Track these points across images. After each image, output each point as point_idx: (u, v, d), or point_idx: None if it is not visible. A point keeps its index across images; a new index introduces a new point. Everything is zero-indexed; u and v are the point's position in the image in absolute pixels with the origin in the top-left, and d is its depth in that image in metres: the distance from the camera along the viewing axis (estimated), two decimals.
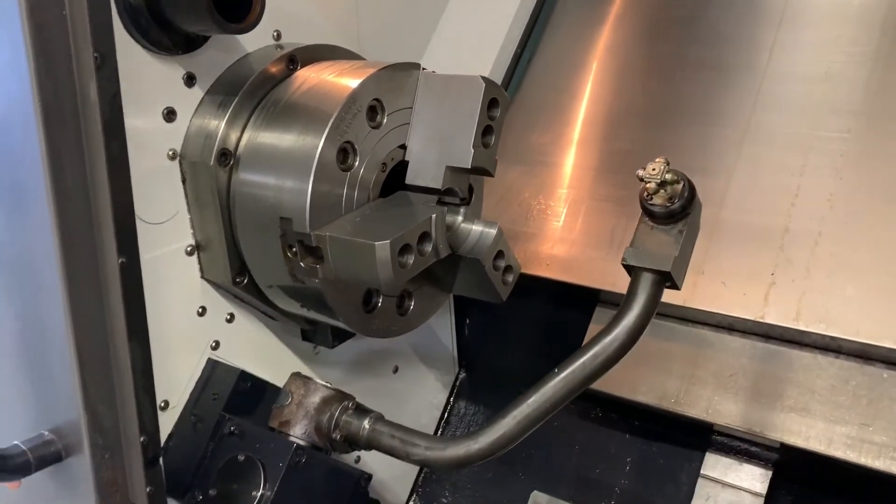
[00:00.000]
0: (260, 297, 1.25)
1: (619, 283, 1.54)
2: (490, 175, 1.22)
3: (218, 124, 1.14)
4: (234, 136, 1.15)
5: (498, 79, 1.85)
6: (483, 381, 1.90)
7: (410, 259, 1.07)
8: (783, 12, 1.64)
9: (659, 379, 1.49)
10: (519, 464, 1.77)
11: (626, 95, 1.78)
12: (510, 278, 1.30)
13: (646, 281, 1.08)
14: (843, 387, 1.35)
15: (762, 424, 1.38)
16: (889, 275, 1.32)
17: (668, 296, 1.46)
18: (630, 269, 1.11)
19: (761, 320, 1.39)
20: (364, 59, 1.37)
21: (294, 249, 1.12)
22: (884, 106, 1.47)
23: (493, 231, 1.23)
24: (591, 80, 1.85)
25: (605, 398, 1.57)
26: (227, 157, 1.14)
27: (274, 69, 1.20)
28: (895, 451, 1.27)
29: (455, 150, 1.17)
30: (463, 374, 1.92)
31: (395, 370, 1.72)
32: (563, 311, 1.69)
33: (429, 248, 1.10)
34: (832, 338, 1.34)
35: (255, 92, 1.17)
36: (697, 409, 1.44)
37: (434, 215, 1.10)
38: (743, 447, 1.51)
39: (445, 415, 1.92)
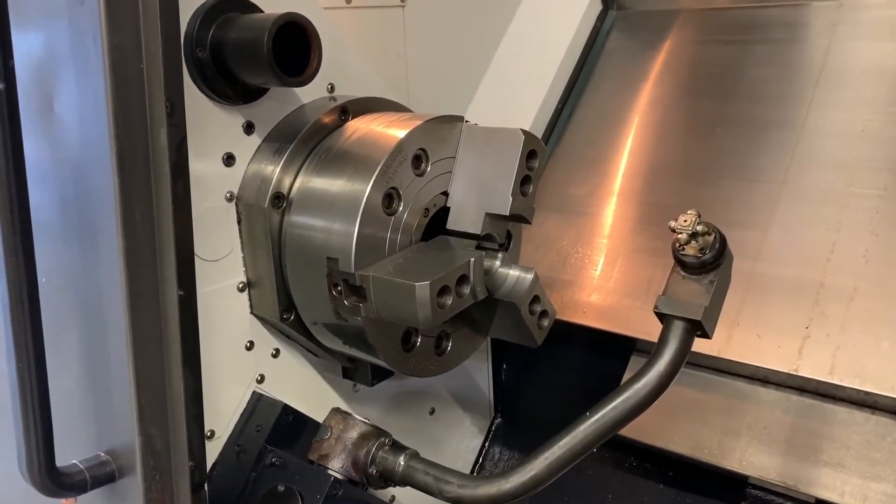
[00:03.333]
0: (305, 333, 1.31)
1: (654, 331, 1.55)
2: (527, 222, 1.27)
3: (273, 169, 1.21)
4: (287, 181, 1.22)
5: (539, 132, 1.92)
6: (519, 427, 1.92)
7: (449, 300, 1.12)
8: (821, 71, 1.68)
9: (694, 429, 1.50)
10: None
11: (665, 150, 1.83)
12: (545, 323, 1.34)
13: (677, 329, 1.11)
14: (879, 443, 1.34)
15: (797, 478, 1.38)
16: None
17: (703, 346, 1.49)
18: (662, 318, 1.14)
19: (795, 373, 1.40)
20: (411, 111, 1.45)
21: (339, 288, 1.18)
22: None
23: (530, 276, 1.27)
24: (632, 135, 1.90)
25: (640, 447, 1.58)
26: (280, 200, 1.22)
27: (327, 119, 1.28)
28: None
29: (495, 197, 1.22)
30: (499, 419, 1.95)
31: (432, 412, 1.75)
32: (599, 359, 1.71)
33: (467, 290, 1.15)
34: (867, 393, 1.34)
35: (309, 140, 1.25)
36: (732, 460, 1.44)
37: (472, 259, 1.15)
38: (777, 501, 1.50)
39: (480, 459, 1.93)
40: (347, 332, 1.25)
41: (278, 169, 1.21)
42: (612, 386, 1.65)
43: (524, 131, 1.22)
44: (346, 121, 1.31)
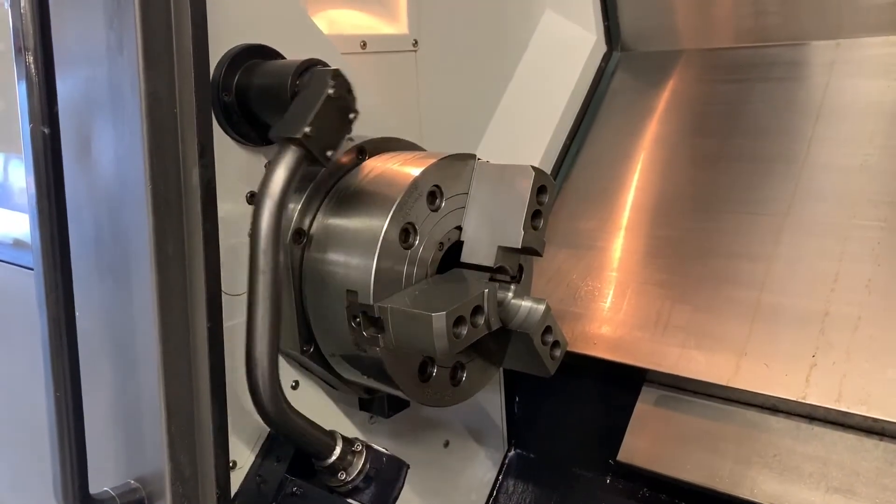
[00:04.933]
0: (324, 365, 1.35)
1: (664, 362, 1.61)
2: (539, 255, 1.32)
3: (294, 207, 1.27)
4: (307, 218, 1.28)
5: (548, 167, 1.98)
6: (532, 460, 1.94)
7: (464, 330, 1.16)
8: (820, 107, 1.73)
9: (706, 458, 1.52)
10: None
11: (670, 185, 1.88)
12: (558, 353, 1.37)
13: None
14: (889, 469, 1.36)
15: None
16: None
17: (713, 376, 1.53)
18: None
19: (804, 401, 1.42)
20: (425, 149, 1.51)
21: (358, 320, 1.22)
22: None
23: (542, 307, 1.32)
24: (638, 170, 1.96)
25: (653, 477, 1.60)
26: (301, 236, 1.27)
27: (345, 159, 1.34)
28: None
29: (507, 231, 1.27)
30: (512, 452, 1.97)
31: (447, 444, 1.78)
32: (610, 390, 1.74)
33: (481, 320, 1.19)
34: (874, 420, 1.37)
35: (328, 179, 1.31)
36: (744, 489, 1.46)
37: (487, 290, 1.19)
38: None
39: (494, 493, 1.95)
40: (365, 364, 1.29)
41: (299, 206, 1.27)
42: (623, 417, 1.70)
43: (534, 167, 1.27)
44: (363, 160, 1.37)
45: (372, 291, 1.18)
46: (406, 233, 1.23)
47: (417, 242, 1.25)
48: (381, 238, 1.19)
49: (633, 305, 1.73)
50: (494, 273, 1.29)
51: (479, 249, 1.30)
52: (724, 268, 1.66)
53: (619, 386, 1.71)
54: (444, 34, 1.81)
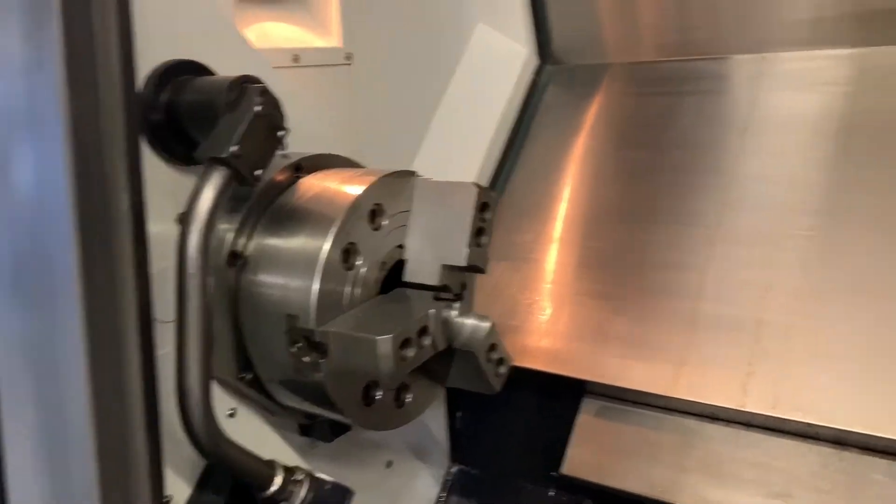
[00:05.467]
0: (262, 392, 1.30)
1: (605, 373, 1.61)
2: (482, 272, 1.30)
3: (229, 228, 1.22)
4: (243, 240, 1.23)
5: (484, 181, 1.98)
6: (475, 475, 1.92)
7: (411, 352, 1.13)
8: (747, 120, 1.78)
9: (648, 468, 1.53)
10: None
11: (603, 197, 1.90)
12: (503, 370, 1.36)
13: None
14: (823, 472, 1.40)
15: None
16: (858, 363, 1.40)
17: (653, 386, 1.54)
18: None
19: (742, 409, 1.45)
20: (362, 166, 1.48)
21: (298, 345, 1.18)
22: (840, 205, 1.59)
23: (487, 325, 1.30)
24: (571, 183, 1.98)
25: (596, 488, 1.60)
26: (236, 258, 1.22)
27: (281, 177, 1.29)
28: None
29: (450, 249, 1.25)
30: (455, 468, 1.95)
31: (389, 465, 1.74)
32: (551, 402, 1.74)
33: (428, 341, 1.17)
34: (809, 425, 1.41)
35: (263, 198, 1.26)
36: (685, 496, 1.48)
37: (432, 310, 1.17)
38: None
39: None
40: (307, 389, 1.24)
41: (234, 228, 1.22)
42: (565, 429, 1.70)
43: (476, 184, 1.26)
44: (299, 177, 1.32)
45: (314, 315, 1.14)
46: (347, 253, 1.20)
47: (359, 262, 1.22)
48: (322, 259, 1.15)
49: (571, 317, 1.73)
50: (438, 291, 1.27)
51: (422, 268, 1.27)
52: (659, 278, 1.69)
53: (560, 398, 1.72)
54: (378, 48, 1.78)
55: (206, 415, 1.06)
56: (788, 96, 1.76)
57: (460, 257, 1.24)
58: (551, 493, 1.75)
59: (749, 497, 1.43)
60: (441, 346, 1.20)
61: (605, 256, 1.80)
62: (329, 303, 1.17)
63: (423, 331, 1.16)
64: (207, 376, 1.05)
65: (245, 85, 1.13)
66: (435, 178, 1.33)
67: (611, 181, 1.94)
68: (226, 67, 1.25)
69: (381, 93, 1.82)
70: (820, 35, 1.75)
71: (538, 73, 2.15)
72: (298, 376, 1.20)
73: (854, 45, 1.71)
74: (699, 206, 1.74)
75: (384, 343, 1.08)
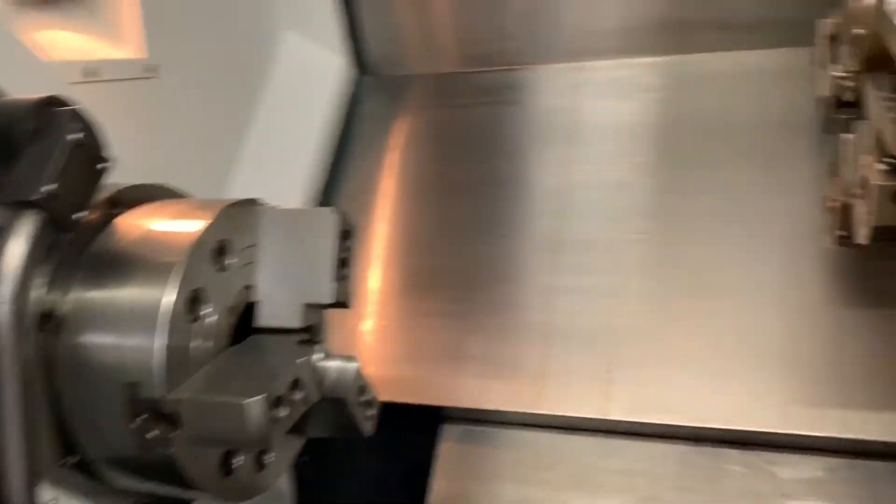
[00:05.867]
0: (90, 476, 1.07)
1: (465, 397, 1.55)
2: (347, 307, 1.17)
3: (36, 283, 0.98)
4: (56, 296, 0.99)
5: (310, 201, 1.83)
6: None
7: (283, 412, 0.97)
8: (568, 130, 1.80)
9: (518, 490, 1.49)
10: None
11: (429, 213, 1.84)
12: (372, 412, 1.23)
13: None
14: (685, 471, 1.44)
15: None
16: (706, 361, 1.46)
17: (515, 404, 1.50)
18: None
19: (606, 417, 1.46)
20: (186, 195, 1.28)
21: (142, 417, 0.97)
22: (668, 208, 1.66)
23: (354, 365, 1.16)
24: (392, 200, 1.89)
25: None
26: (48, 319, 0.98)
27: (94, 216, 1.07)
28: None
29: (312, 286, 1.11)
30: None
31: None
32: (409, 434, 1.64)
33: (300, 395, 1.01)
34: (668, 426, 1.44)
35: (78, 243, 1.03)
36: None
37: (302, 358, 1.02)
38: None
39: None
40: (150, 467, 1.03)
41: (44, 281, 0.98)
42: (424, 459, 1.61)
43: (336, 210, 1.12)
44: (115, 214, 1.11)
45: (160, 381, 0.95)
46: (193, 302, 1.01)
47: (207, 311, 1.03)
48: (165, 312, 0.96)
49: (420, 340, 1.66)
50: (300, 334, 1.12)
51: (279, 310, 1.11)
52: (505, 292, 1.66)
53: (416, 428, 1.62)
54: (186, 59, 1.58)
55: None
56: (608, 104, 1.81)
57: (325, 294, 1.10)
58: None
59: (616, 501, 1.43)
60: (315, 398, 1.05)
61: (445, 274, 1.74)
62: (176, 363, 0.98)
63: (295, 384, 1.01)
64: (34, 477, 0.83)
65: (51, 108, 0.91)
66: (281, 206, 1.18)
67: (432, 196, 1.88)
68: (10, 84, 1.02)
69: (191, 109, 1.61)
70: (632, 44, 1.82)
71: (356, 84, 2.04)
72: (144, 454, 0.99)
73: (664, 53, 1.80)
74: (534, 216, 1.73)
75: (254, 406, 0.92)
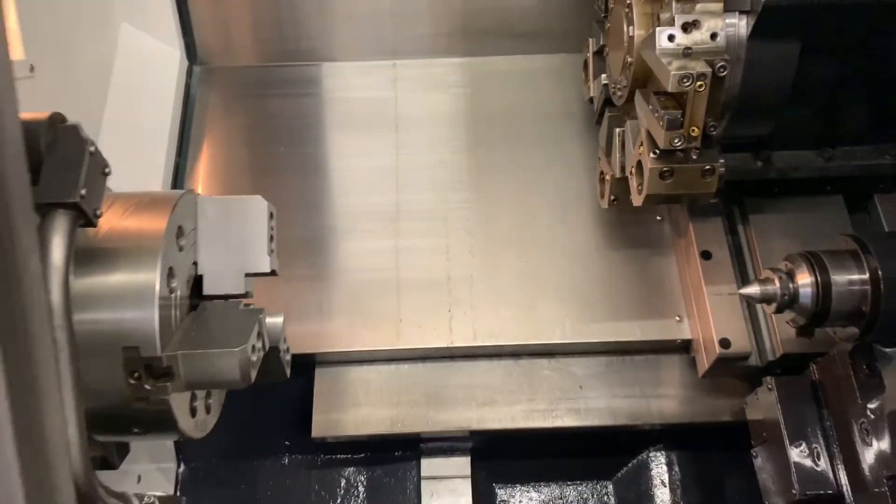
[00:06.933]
0: None
1: (336, 343, 1.88)
2: (276, 275, 1.45)
3: None
4: None
5: (168, 186, 2.01)
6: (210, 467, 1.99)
7: (255, 357, 1.26)
8: (396, 118, 2.18)
9: (388, 411, 1.86)
10: None
11: (271, 192, 2.09)
12: (289, 357, 1.53)
13: None
14: (510, 379, 1.91)
15: (469, 422, 1.86)
16: (518, 296, 1.93)
17: (379, 343, 1.87)
18: None
19: (451, 345, 1.88)
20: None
21: (136, 374, 1.20)
22: (482, 182, 2.10)
23: (280, 319, 1.46)
24: (238, 183, 2.12)
25: (348, 442, 1.88)
26: None
27: None
28: (553, 413, 1.87)
29: (251, 259, 1.38)
30: (182, 467, 1.98)
31: (139, 479, 1.74)
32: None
33: (261, 344, 1.30)
34: (498, 346, 1.90)
35: None
36: (423, 425, 1.85)
37: (261, 315, 1.30)
38: (446, 446, 1.97)
39: None
40: (134, 418, 1.26)
41: None
42: (307, 400, 1.91)
43: (261, 197, 1.40)
44: None
45: (158, 343, 1.18)
46: (169, 278, 1.25)
47: (175, 285, 1.27)
48: (157, 289, 1.19)
49: (288, 300, 1.93)
50: (242, 299, 1.39)
51: (223, 280, 1.37)
52: (357, 255, 2.00)
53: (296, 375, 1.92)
54: (52, 57, 1.68)
55: (86, 464, 1.05)
56: (424, 96, 2.21)
57: (263, 264, 1.38)
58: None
59: (466, 411, 1.87)
60: (268, 346, 1.34)
61: (300, 244, 2.02)
62: (165, 328, 1.21)
63: (259, 335, 1.29)
64: (85, 427, 1.04)
65: (57, 124, 1.09)
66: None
67: (277, 176, 2.13)
68: None
69: (59, 105, 1.72)
70: (440, 46, 2.22)
71: (189, 73, 2.21)
72: (140, 405, 1.22)
73: (466, 55, 2.23)
74: (375, 192, 2.08)
75: (242, 352, 1.20)
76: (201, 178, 2.12)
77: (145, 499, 1.26)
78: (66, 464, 0.96)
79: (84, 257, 1.21)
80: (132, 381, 1.20)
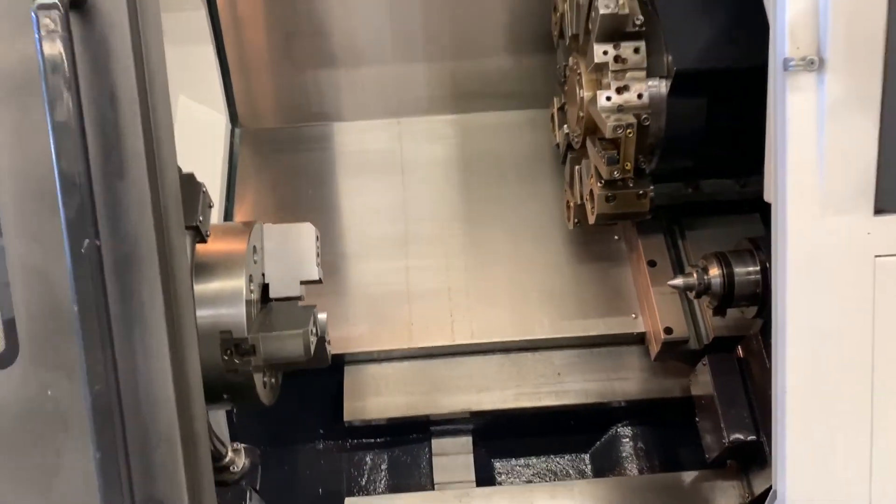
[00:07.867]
0: None
1: (361, 344, 2.34)
2: (321, 283, 1.91)
3: None
4: None
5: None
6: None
7: (312, 339, 1.72)
8: (402, 165, 2.68)
9: (405, 398, 2.31)
10: None
11: None
12: (331, 348, 1.99)
13: None
14: (502, 369, 2.37)
15: (468, 404, 2.32)
16: (506, 301, 2.40)
17: (396, 344, 2.33)
18: None
19: (453, 343, 2.34)
20: None
21: (229, 351, 1.66)
22: (473, 213, 2.59)
23: (324, 315, 1.91)
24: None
25: (379, 425, 2.32)
26: None
27: None
28: (537, 395, 2.33)
29: (304, 269, 1.85)
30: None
31: None
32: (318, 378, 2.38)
33: (315, 330, 1.76)
34: (492, 343, 2.36)
35: None
36: (433, 408, 2.30)
37: (315, 308, 1.77)
38: (452, 428, 2.41)
39: None
40: (226, 387, 1.71)
41: None
42: (338, 393, 2.36)
43: (310, 224, 1.87)
44: None
45: (246, 328, 1.64)
46: (250, 284, 1.72)
47: (252, 289, 1.74)
48: (244, 292, 1.66)
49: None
50: (297, 300, 1.86)
51: (284, 286, 1.84)
52: (373, 274, 2.48)
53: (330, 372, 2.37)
54: None
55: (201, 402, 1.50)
56: (424, 146, 2.71)
57: (314, 273, 1.85)
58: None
59: (466, 395, 2.33)
60: (319, 333, 1.80)
61: (330, 268, 2.48)
62: (249, 319, 1.68)
63: (314, 323, 1.76)
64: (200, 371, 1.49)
65: None
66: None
67: (306, 214, 2.60)
68: None
69: None
70: (435, 106, 2.74)
71: (232, 135, 2.72)
72: (230, 376, 1.67)
73: (457, 112, 2.75)
74: (387, 223, 2.57)
75: (306, 334, 1.67)
76: (244, 217, 2.60)
77: (234, 445, 1.71)
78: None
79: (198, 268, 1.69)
80: (225, 357, 1.66)
